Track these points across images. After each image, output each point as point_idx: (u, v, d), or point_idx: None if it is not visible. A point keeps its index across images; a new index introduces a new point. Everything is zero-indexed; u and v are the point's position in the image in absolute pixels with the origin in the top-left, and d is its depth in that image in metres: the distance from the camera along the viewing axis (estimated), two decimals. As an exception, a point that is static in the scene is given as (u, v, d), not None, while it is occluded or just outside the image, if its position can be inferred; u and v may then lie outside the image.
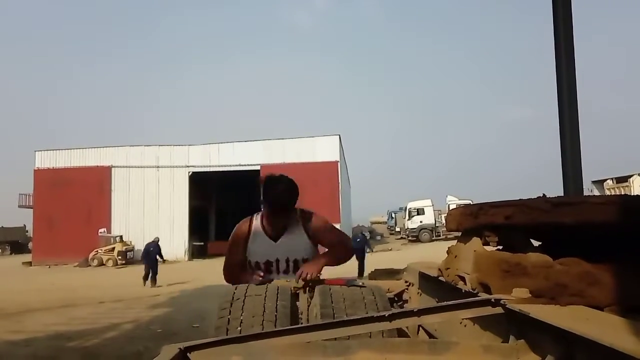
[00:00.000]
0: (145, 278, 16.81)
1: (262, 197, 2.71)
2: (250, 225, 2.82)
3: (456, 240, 1.87)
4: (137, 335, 8.23)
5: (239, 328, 1.80)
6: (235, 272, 2.83)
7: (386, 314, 1.35)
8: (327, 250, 2.76)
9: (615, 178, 29.47)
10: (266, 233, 2.74)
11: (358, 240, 16.95)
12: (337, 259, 2.74)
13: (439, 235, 36.31)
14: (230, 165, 32.54)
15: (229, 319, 1.85)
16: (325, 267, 2.64)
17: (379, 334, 1.55)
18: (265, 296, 1.95)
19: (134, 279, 17.66)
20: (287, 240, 2.71)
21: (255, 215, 2.85)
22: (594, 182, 30.38)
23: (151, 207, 32.83)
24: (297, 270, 2.55)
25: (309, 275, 2.42)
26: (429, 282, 2.28)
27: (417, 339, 2.16)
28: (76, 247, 29.38)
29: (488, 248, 1.65)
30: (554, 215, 1.50)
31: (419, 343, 1.46)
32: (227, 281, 2.85)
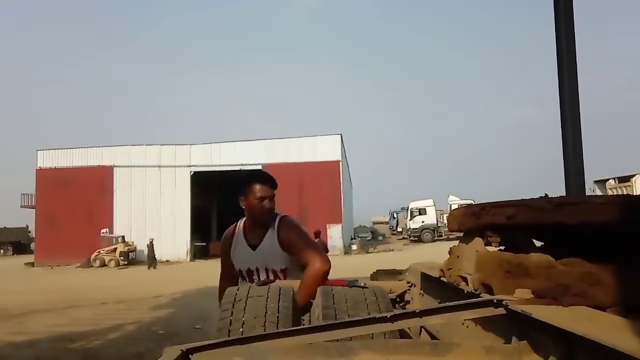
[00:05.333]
0: None
1: (243, 192, 2.61)
2: (234, 232, 2.76)
3: (458, 241, 1.87)
4: (139, 337, 8.25)
5: (241, 329, 1.79)
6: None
7: (388, 315, 1.35)
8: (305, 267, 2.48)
9: (618, 178, 29.38)
10: (246, 240, 2.68)
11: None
12: (315, 277, 2.39)
13: (441, 236, 36.32)
14: (232, 165, 32.58)
15: (230, 320, 1.84)
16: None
17: (381, 335, 1.55)
18: (267, 297, 1.95)
19: (136, 280, 17.66)
20: (264, 249, 2.63)
21: (240, 221, 2.78)
22: (596, 181, 30.30)
23: (153, 207, 32.91)
24: (276, 280, 2.49)
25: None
26: (431, 283, 2.28)
27: (419, 340, 2.15)
28: (78, 247, 29.48)
29: (490, 248, 1.65)
30: (556, 215, 1.50)
31: (421, 344, 1.46)
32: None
